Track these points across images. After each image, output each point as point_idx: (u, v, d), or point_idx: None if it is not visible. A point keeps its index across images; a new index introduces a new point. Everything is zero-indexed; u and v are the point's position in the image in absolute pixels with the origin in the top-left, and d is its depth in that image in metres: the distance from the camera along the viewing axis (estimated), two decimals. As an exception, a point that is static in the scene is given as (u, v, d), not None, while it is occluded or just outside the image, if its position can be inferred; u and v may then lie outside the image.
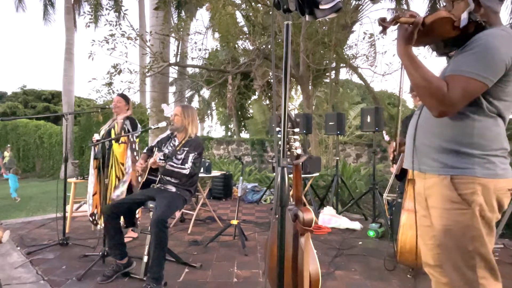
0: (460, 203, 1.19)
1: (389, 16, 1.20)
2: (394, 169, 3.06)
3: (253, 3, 8.06)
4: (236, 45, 9.86)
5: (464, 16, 1.17)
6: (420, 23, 1.14)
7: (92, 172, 3.44)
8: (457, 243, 1.21)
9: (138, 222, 3.57)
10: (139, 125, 3.43)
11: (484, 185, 1.16)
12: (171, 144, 2.86)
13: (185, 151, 2.71)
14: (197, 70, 11.05)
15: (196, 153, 2.70)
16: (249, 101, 15.92)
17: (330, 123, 4.88)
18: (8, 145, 12.79)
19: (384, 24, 1.12)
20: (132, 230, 3.51)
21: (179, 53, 8.58)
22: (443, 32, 1.22)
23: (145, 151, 2.97)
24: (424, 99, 1.19)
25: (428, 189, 1.29)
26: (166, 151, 2.77)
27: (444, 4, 1.33)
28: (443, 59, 1.42)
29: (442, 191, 1.23)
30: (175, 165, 2.60)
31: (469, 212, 1.18)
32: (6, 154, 12.09)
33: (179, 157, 2.69)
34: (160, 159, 2.49)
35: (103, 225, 2.48)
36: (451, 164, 1.21)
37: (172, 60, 7.97)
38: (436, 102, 1.14)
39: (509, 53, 1.11)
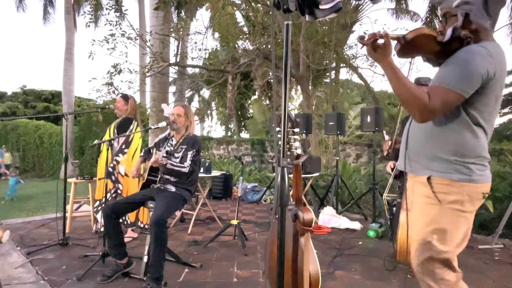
0: (432, 198, 1.34)
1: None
2: (390, 166, 3.07)
3: (253, 3, 8.07)
4: (236, 45, 9.86)
5: (448, 31, 1.28)
6: (396, 38, 1.26)
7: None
8: (418, 234, 1.36)
9: (140, 223, 3.54)
10: (131, 127, 3.41)
11: (459, 188, 1.29)
12: (169, 144, 2.86)
13: (183, 149, 2.71)
14: (197, 70, 11.04)
15: (194, 150, 2.70)
16: (249, 101, 15.92)
17: (330, 123, 4.88)
18: (4, 146, 12.82)
19: (363, 42, 1.22)
20: (132, 230, 3.50)
21: (179, 53, 8.57)
22: (426, 47, 1.32)
23: (141, 154, 2.97)
24: (407, 107, 1.29)
25: (413, 187, 1.46)
26: (164, 149, 2.77)
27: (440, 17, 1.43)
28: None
29: (420, 188, 1.39)
30: (174, 163, 2.60)
31: (437, 208, 1.32)
32: (5, 155, 12.12)
33: (177, 155, 2.69)
34: (163, 157, 2.45)
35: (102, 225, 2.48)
36: (432, 167, 1.35)
37: (172, 60, 7.97)
38: (418, 110, 1.25)
39: (485, 66, 1.21)
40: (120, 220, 3.32)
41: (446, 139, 1.32)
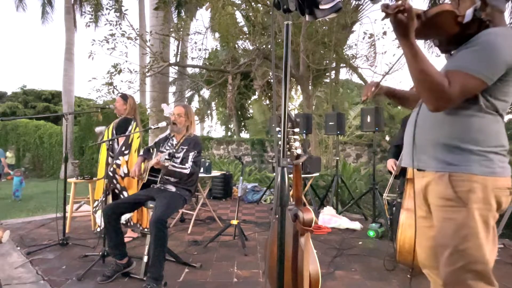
0: (454, 201, 1.17)
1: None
2: (391, 165, 3.05)
3: (253, 3, 8.07)
4: (236, 45, 9.86)
5: (469, 12, 1.15)
6: (416, 13, 1.11)
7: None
8: (449, 241, 1.19)
9: (140, 226, 3.52)
10: (130, 127, 3.39)
11: (482, 183, 1.15)
12: (169, 144, 2.86)
13: (184, 150, 2.71)
14: (197, 70, 11.05)
15: (196, 151, 2.70)
16: (249, 101, 15.93)
17: (330, 123, 4.88)
18: (13, 145, 12.84)
19: (387, 11, 1.06)
20: (132, 230, 3.50)
21: (179, 53, 8.58)
22: (445, 27, 1.19)
23: (141, 153, 2.96)
24: (422, 93, 1.16)
25: (427, 187, 1.28)
26: (165, 151, 2.75)
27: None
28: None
29: (438, 188, 1.22)
30: (176, 165, 2.60)
31: (464, 210, 1.16)
32: (9, 154, 12.14)
33: (178, 155, 2.69)
34: (166, 159, 2.44)
35: (102, 225, 2.47)
36: (449, 161, 1.19)
37: (172, 60, 7.97)
38: (434, 97, 1.12)
39: (510, 52, 1.10)
40: (124, 222, 3.34)
41: (465, 125, 1.17)
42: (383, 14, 1.08)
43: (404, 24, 1.07)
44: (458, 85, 1.10)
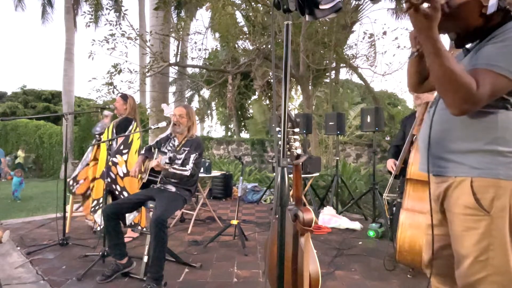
0: (476, 209, 1.08)
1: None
2: (391, 165, 3.05)
3: (253, 3, 8.07)
4: (236, 45, 9.88)
5: (493, 2, 1.06)
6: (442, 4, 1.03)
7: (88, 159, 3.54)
8: (469, 251, 1.10)
9: (139, 227, 3.51)
10: (130, 127, 3.37)
11: (509, 188, 1.05)
12: (170, 144, 2.86)
13: (186, 151, 2.71)
14: (197, 70, 11.06)
15: (197, 153, 2.70)
16: (249, 101, 15.94)
17: (330, 123, 4.88)
18: (25, 145, 12.89)
19: (411, 0, 0.94)
20: (132, 230, 3.50)
21: (179, 53, 8.59)
22: (469, 18, 1.11)
23: (142, 152, 2.96)
24: (446, 94, 1.03)
25: (445, 193, 1.18)
26: (167, 152, 2.75)
27: None
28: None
29: (458, 195, 1.12)
30: (177, 167, 2.59)
31: (486, 219, 1.07)
32: (21, 153, 12.17)
33: (179, 156, 2.68)
34: (166, 163, 2.44)
35: (102, 225, 2.47)
36: (471, 164, 1.09)
37: (172, 60, 7.99)
38: (460, 99, 1.00)
39: None
40: (129, 224, 3.34)
41: (488, 124, 1.07)
42: (407, 5, 0.96)
43: (429, 16, 0.96)
44: (488, 86, 0.99)
